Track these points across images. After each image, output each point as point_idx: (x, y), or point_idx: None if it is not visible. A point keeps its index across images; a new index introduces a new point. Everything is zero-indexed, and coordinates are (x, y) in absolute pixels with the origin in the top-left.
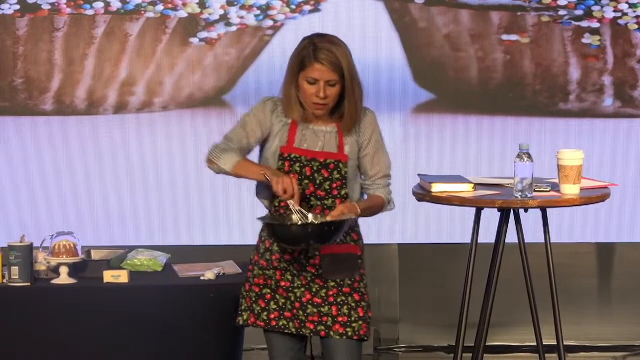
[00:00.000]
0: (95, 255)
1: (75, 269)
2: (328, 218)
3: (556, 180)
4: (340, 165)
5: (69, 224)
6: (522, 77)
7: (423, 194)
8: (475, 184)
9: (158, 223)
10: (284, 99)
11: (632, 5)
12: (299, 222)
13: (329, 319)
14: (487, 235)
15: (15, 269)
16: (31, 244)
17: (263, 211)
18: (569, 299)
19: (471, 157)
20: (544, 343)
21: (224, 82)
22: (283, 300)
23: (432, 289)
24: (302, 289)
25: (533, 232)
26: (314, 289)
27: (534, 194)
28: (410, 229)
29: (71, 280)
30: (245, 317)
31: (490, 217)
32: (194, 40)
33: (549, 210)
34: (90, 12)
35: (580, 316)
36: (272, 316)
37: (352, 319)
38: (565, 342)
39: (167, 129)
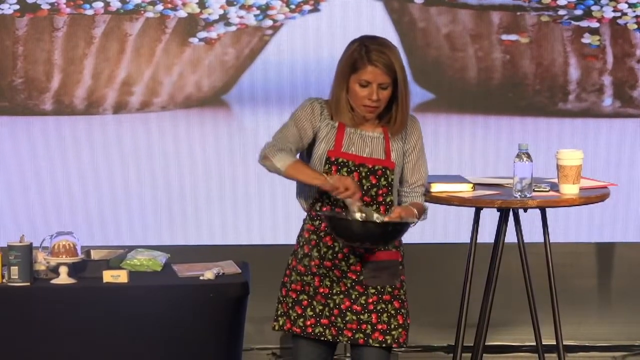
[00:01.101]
0: (94, 255)
1: (75, 269)
2: (386, 219)
3: (555, 180)
4: (388, 172)
5: (68, 224)
6: (521, 77)
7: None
8: (475, 184)
9: (158, 223)
10: (333, 102)
11: (631, 5)
12: (362, 219)
13: (369, 327)
14: (487, 235)
15: (15, 269)
16: (31, 244)
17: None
18: (568, 299)
19: (470, 157)
20: (543, 343)
21: (223, 82)
22: (320, 307)
23: (432, 289)
24: (342, 296)
25: (532, 232)
26: (353, 296)
27: (534, 194)
28: (410, 228)
29: (71, 280)
30: (281, 322)
31: (490, 217)
32: (194, 40)
33: (548, 210)
34: (90, 12)
35: (580, 316)
36: (308, 323)
37: (392, 326)
38: (565, 342)
39: (167, 129)
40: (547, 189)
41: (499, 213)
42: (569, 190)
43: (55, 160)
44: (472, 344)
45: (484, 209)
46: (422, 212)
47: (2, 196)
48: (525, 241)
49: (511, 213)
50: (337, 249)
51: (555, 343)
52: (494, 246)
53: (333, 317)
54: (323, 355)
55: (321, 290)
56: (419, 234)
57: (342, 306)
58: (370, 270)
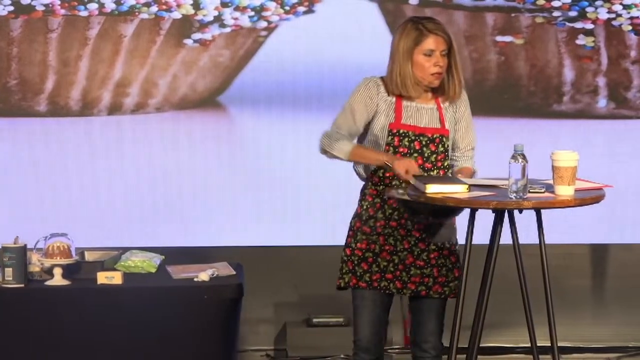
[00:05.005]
0: (89, 256)
1: (69, 271)
2: None
3: (551, 182)
4: (444, 139)
5: (62, 225)
6: (516, 78)
7: (418, 195)
8: (470, 185)
9: (152, 224)
10: (398, 79)
11: (626, 7)
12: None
13: (431, 280)
14: (482, 236)
15: (9, 271)
16: (25, 245)
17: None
18: (563, 301)
19: None
20: (538, 344)
21: (218, 84)
22: (385, 263)
23: None
24: (405, 253)
25: (527, 233)
26: (416, 252)
27: (529, 195)
28: None
29: (65, 282)
30: (346, 279)
31: (485, 218)
32: (189, 41)
33: (543, 211)
34: (84, 13)
35: (575, 317)
36: (374, 277)
37: (449, 279)
38: (560, 344)
39: (162, 130)
40: (543, 190)
41: (494, 214)
42: (564, 191)
43: (49, 162)
44: (466, 345)
45: (479, 210)
46: (471, 175)
47: None
48: (520, 242)
49: (506, 214)
50: (402, 210)
51: (549, 344)
52: (489, 247)
53: (398, 272)
54: (385, 300)
55: (387, 247)
56: None
57: (406, 262)
58: (432, 228)
